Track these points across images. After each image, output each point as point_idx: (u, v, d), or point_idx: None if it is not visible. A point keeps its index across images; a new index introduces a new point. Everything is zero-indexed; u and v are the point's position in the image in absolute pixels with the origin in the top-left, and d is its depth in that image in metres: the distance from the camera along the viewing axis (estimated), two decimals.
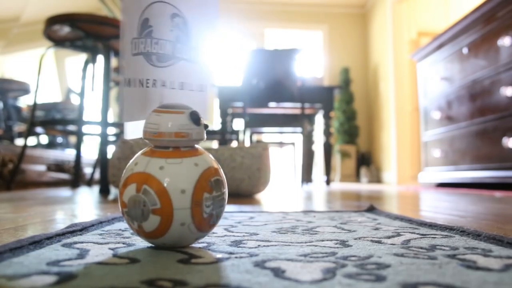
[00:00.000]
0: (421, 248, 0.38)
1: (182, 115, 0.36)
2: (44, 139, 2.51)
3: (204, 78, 0.39)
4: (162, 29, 0.37)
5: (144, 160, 0.36)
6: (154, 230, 0.35)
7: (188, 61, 0.39)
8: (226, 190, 0.38)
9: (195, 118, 0.37)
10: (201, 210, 0.35)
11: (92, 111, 2.23)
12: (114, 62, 1.95)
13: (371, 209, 0.77)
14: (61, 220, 0.64)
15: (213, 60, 0.40)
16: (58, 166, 2.11)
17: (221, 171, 0.39)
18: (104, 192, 1.43)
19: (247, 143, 2.66)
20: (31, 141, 2.25)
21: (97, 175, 2.28)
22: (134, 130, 0.41)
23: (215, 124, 4.50)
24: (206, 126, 0.38)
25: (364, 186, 2.92)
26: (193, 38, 0.38)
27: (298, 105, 2.68)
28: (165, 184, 0.34)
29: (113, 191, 1.51)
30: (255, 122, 2.62)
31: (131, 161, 0.38)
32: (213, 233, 0.47)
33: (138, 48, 0.38)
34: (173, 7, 0.37)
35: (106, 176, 1.42)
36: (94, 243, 0.39)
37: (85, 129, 1.83)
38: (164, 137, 0.36)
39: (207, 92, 0.40)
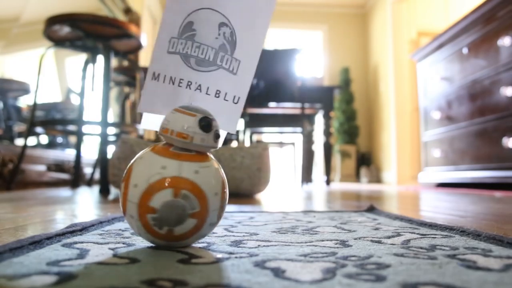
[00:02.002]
0: (421, 248, 0.38)
1: (192, 118, 0.36)
2: (44, 139, 2.51)
3: (241, 91, 0.39)
4: (207, 35, 0.38)
5: (174, 164, 0.35)
6: (186, 232, 0.36)
7: (229, 71, 0.39)
8: (227, 190, 0.39)
9: (204, 124, 0.36)
10: (223, 205, 0.38)
11: (92, 111, 2.23)
12: (114, 62, 1.95)
13: (371, 209, 0.77)
14: (61, 220, 0.64)
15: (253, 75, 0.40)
16: (58, 166, 2.11)
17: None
18: (104, 192, 1.43)
19: (247, 143, 2.66)
20: (31, 141, 2.25)
21: (97, 175, 2.28)
22: (150, 121, 0.41)
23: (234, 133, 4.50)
24: (217, 135, 0.37)
25: (364, 186, 2.92)
26: (238, 50, 0.38)
27: (298, 105, 2.68)
28: (203, 189, 0.35)
29: (113, 191, 1.51)
30: (255, 122, 2.62)
31: (147, 162, 0.36)
32: (213, 233, 0.47)
33: (175, 48, 0.38)
34: (222, 16, 0.37)
35: (106, 176, 1.42)
36: (94, 243, 0.39)
37: (85, 129, 1.83)
38: (167, 134, 0.36)
39: (241, 105, 0.40)
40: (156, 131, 0.39)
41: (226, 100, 0.40)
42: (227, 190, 0.38)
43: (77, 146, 1.87)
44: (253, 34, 0.38)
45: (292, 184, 3.13)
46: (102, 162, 1.47)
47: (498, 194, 1.64)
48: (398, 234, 0.46)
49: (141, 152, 0.38)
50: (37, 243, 0.37)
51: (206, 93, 0.39)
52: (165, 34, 0.38)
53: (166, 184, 0.34)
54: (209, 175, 0.36)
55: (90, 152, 2.40)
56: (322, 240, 0.42)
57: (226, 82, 0.38)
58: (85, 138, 2.00)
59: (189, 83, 0.39)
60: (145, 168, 0.36)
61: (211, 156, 0.39)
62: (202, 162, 0.36)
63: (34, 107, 1.63)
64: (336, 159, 4.56)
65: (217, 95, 0.39)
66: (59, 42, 1.63)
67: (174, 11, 0.37)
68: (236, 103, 0.40)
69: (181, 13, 0.37)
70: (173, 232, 0.35)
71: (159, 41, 0.38)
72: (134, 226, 0.36)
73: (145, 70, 2.06)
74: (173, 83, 0.39)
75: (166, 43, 0.38)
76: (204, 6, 0.37)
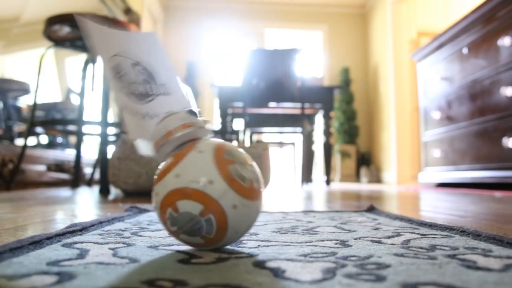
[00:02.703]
0: (421, 248, 0.38)
1: (180, 113, 0.38)
2: (44, 139, 2.51)
3: (186, 105, 0.41)
4: (131, 74, 0.41)
5: (222, 186, 0.34)
6: (190, 242, 0.36)
7: (165, 95, 0.41)
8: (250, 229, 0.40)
9: (192, 112, 0.38)
10: (236, 180, 0.36)
11: (92, 111, 2.23)
12: None
13: (371, 209, 0.77)
14: (61, 220, 0.64)
15: (186, 91, 0.43)
16: (58, 166, 2.11)
17: None
18: (104, 192, 1.43)
19: (247, 143, 2.66)
20: (31, 141, 2.25)
21: (97, 175, 2.28)
22: (144, 147, 0.43)
23: (216, 124, 4.50)
24: (191, 112, 0.39)
25: (364, 186, 2.92)
26: (157, 78, 0.41)
27: (298, 105, 2.68)
28: (230, 225, 0.35)
29: (113, 191, 1.51)
30: (255, 122, 2.62)
31: (201, 162, 0.35)
32: None
33: (116, 87, 0.42)
34: (130, 59, 0.41)
35: (106, 176, 1.42)
36: (94, 243, 0.39)
37: (85, 129, 1.83)
38: (175, 132, 0.37)
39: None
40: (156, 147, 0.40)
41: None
42: (229, 162, 0.36)
43: (77, 146, 1.87)
44: (160, 61, 0.41)
45: (292, 184, 3.13)
46: (102, 162, 1.47)
47: (498, 194, 1.64)
48: (398, 234, 0.46)
49: (203, 145, 0.36)
50: (37, 243, 0.37)
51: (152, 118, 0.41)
52: (107, 73, 0.42)
53: (201, 200, 0.33)
54: (244, 216, 0.35)
55: (90, 152, 2.40)
56: (322, 240, 0.42)
57: (169, 104, 0.41)
58: (85, 138, 2.00)
59: (145, 114, 0.41)
60: (195, 167, 0.35)
61: (196, 145, 0.37)
62: (248, 198, 0.35)
63: (34, 107, 1.63)
64: (336, 159, 4.56)
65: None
66: (59, 42, 1.63)
67: (102, 54, 0.41)
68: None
69: (107, 56, 0.41)
70: (179, 235, 0.36)
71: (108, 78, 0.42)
72: (154, 204, 0.37)
73: None
74: (136, 115, 0.42)
75: (112, 81, 0.42)
76: (114, 54, 0.41)
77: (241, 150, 0.38)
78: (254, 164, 0.39)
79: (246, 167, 0.36)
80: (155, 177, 0.37)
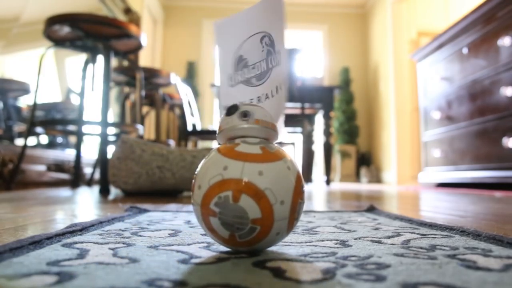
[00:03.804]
0: (421, 248, 0.38)
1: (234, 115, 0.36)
2: (44, 139, 2.51)
3: (282, 77, 0.41)
4: (255, 55, 0.42)
5: (237, 165, 0.33)
6: (250, 239, 0.33)
7: (277, 66, 0.41)
8: (302, 194, 0.37)
9: (228, 110, 0.36)
10: (295, 216, 0.35)
11: (92, 111, 2.23)
12: (114, 62, 1.95)
13: (371, 209, 0.77)
14: (61, 220, 0.64)
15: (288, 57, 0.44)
16: (58, 166, 2.11)
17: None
18: (104, 192, 1.43)
19: None
20: (31, 141, 2.25)
21: (97, 175, 2.28)
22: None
23: (216, 124, 4.49)
24: (244, 114, 0.36)
25: (364, 186, 2.92)
26: (276, 45, 0.41)
27: (298, 105, 2.68)
28: (267, 194, 0.32)
29: (113, 191, 1.51)
30: None
31: (211, 163, 0.34)
32: None
33: (235, 80, 0.43)
34: (261, 32, 0.41)
35: (106, 176, 1.42)
36: (94, 243, 0.39)
37: (85, 129, 1.83)
38: (270, 127, 0.36)
39: (283, 91, 0.42)
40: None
41: (281, 89, 0.41)
42: (301, 194, 0.35)
43: (77, 146, 1.87)
44: (277, 21, 0.41)
45: None
46: (102, 162, 1.47)
47: (498, 194, 1.64)
48: (398, 234, 0.46)
49: (291, 162, 0.35)
50: (37, 243, 0.37)
51: (272, 96, 0.41)
52: (223, 75, 0.44)
53: (226, 187, 0.32)
54: (275, 176, 0.33)
55: (90, 152, 2.40)
56: (322, 240, 0.42)
57: (277, 75, 0.41)
58: (85, 138, 2.00)
59: (259, 98, 0.42)
60: (208, 169, 0.34)
61: (286, 155, 0.36)
62: (269, 162, 0.33)
63: (34, 107, 1.63)
64: (336, 159, 4.56)
65: (278, 92, 0.41)
66: (59, 42, 1.63)
67: (225, 52, 0.43)
68: (281, 89, 0.42)
69: (231, 50, 0.43)
70: (236, 237, 0.33)
71: (221, 81, 0.44)
72: (201, 227, 0.35)
73: (145, 69, 2.06)
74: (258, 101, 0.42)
75: (227, 80, 0.44)
76: (250, 35, 0.42)
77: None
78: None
79: (303, 203, 0.36)
80: (228, 144, 0.35)
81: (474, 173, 2.12)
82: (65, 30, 1.52)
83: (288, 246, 0.39)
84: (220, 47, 0.44)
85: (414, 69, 3.59)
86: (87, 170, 2.35)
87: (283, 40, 0.41)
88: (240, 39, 0.42)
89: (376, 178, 4.47)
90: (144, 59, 4.05)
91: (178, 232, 0.47)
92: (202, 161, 0.36)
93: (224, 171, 0.33)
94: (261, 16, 0.41)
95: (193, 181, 0.36)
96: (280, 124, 0.40)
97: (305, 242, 0.41)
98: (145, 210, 0.73)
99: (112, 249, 0.36)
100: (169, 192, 1.38)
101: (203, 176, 0.34)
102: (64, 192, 1.51)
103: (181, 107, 2.28)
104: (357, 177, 4.58)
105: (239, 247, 0.34)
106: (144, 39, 1.64)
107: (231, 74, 0.43)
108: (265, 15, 0.41)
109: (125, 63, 2.68)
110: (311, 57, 5.06)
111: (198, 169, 0.36)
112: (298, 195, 0.34)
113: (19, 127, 2.21)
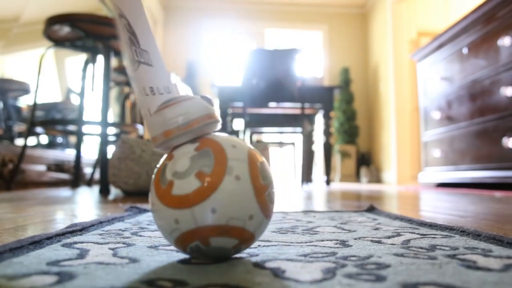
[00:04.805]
0: (421, 248, 0.38)
1: (198, 99, 0.33)
2: (44, 139, 2.51)
3: (166, 80, 0.35)
4: (121, 31, 0.35)
5: (186, 215, 0.29)
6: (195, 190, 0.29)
7: (148, 65, 0.35)
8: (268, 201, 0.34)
9: (208, 99, 0.34)
10: (268, 207, 0.32)
11: (92, 111, 2.23)
12: (114, 62, 1.95)
13: (371, 209, 0.77)
14: (61, 220, 0.64)
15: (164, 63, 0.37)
16: (58, 166, 2.11)
17: None
18: (104, 192, 1.43)
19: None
20: (31, 141, 2.25)
21: (97, 175, 2.28)
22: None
23: None
24: (207, 99, 0.34)
25: (364, 186, 2.92)
26: (141, 41, 0.34)
27: (298, 105, 2.68)
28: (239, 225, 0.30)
29: (113, 191, 1.51)
30: (255, 122, 2.62)
31: (161, 218, 0.31)
32: None
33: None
34: (117, 7, 0.35)
35: (106, 176, 1.42)
36: (94, 243, 0.39)
37: (85, 129, 1.83)
38: (199, 123, 0.32)
39: (174, 94, 0.36)
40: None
41: (162, 94, 0.34)
42: (266, 188, 0.31)
43: (77, 146, 1.87)
44: (141, 23, 0.35)
45: (292, 184, 3.13)
46: (102, 162, 1.47)
47: (498, 194, 1.64)
48: (398, 234, 0.46)
49: (237, 166, 0.30)
50: (37, 243, 0.37)
51: (146, 94, 0.34)
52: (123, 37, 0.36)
53: (189, 239, 0.30)
54: (229, 203, 0.29)
55: (90, 152, 2.40)
56: (322, 240, 0.42)
57: (150, 76, 0.35)
58: (85, 138, 2.00)
59: (140, 88, 0.35)
60: (161, 225, 0.31)
61: (226, 160, 0.30)
62: (215, 190, 0.29)
63: (34, 107, 1.63)
64: (336, 159, 4.56)
65: (153, 93, 0.34)
66: (59, 42, 1.63)
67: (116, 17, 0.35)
68: (170, 93, 0.35)
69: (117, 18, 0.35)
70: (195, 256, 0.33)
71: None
72: (167, 230, 0.32)
73: None
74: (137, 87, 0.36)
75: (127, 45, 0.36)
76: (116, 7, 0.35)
77: (264, 161, 0.33)
78: (270, 168, 0.34)
79: (273, 184, 0.33)
80: (173, 192, 0.30)
81: (474, 173, 2.12)
82: (65, 30, 1.52)
83: (288, 246, 0.39)
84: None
85: (414, 69, 3.59)
86: (87, 170, 2.35)
87: (153, 43, 0.35)
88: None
89: (376, 178, 4.47)
90: None
91: None
92: (150, 199, 0.32)
93: (178, 225, 0.30)
94: None
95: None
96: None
97: (305, 242, 0.41)
98: (145, 210, 0.73)
99: (112, 249, 0.36)
100: None
101: (161, 228, 0.32)
102: (64, 192, 1.51)
103: None
104: (357, 177, 4.58)
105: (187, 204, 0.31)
106: None
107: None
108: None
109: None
110: (311, 57, 5.06)
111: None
112: (262, 192, 0.31)
113: (19, 127, 2.21)
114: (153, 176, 0.33)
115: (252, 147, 0.34)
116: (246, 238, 0.31)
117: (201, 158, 0.30)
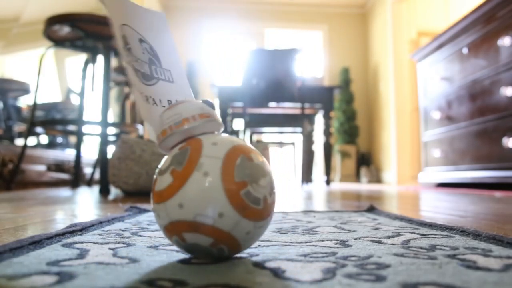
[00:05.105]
0: (421, 248, 0.38)
1: (195, 101, 0.34)
2: (44, 139, 2.51)
3: (186, 95, 0.38)
4: (137, 50, 0.37)
5: (233, 216, 0.30)
6: (226, 256, 0.32)
7: (167, 81, 0.37)
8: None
9: (209, 102, 0.35)
10: (248, 205, 0.30)
11: (92, 111, 2.23)
12: (114, 62, 1.95)
13: (371, 209, 0.77)
14: (61, 220, 0.64)
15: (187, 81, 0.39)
16: (58, 166, 2.11)
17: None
18: (104, 192, 1.43)
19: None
20: (31, 141, 2.25)
21: (97, 175, 2.28)
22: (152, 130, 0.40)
23: None
24: (209, 103, 0.35)
25: (364, 186, 2.92)
26: (163, 61, 0.37)
27: (298, 105, 2.68)
28: (242, 244, 0.32)
29: (113, 191, 1.51)
30: (255, 122, 2.62)
31: (206, 189, 0.29)
32: None
33: (125, 59, 0.37)
34: (138, 34, 0.37)
35: (106, 176, 1.42)
36: (94, 243, 0.39)
37: (85, 129, 1.83)
38: (191, 121, 0.32)
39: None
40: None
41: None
42: (239, 185, 0.30)
43: (77, 146, 1.87)
44: (166, 46, 0.38)
45: (292, 184, 3.13)
46: (102, 162, 1.47)
47: (498, 194, 1.64)
48: (398, 234, 0.46)
49: (208, 162, 0.30)
50: (37, 243, 0.37)
51: (162, 106, 0.37)
52: (120, 43, 0.37)
53: (168, 234, 0.31)
54: (258, 235, 0.32)
55: (90, 152, 2.40)
56: (322, 240, 0.42)
57: (170, 92, 0.37)
58: (85, 138, 2.00)
59: (148, 97, 0.37)
60: (201, 197, 0.29)
61: (198, 155, 0.31)
62: (182, 186, 0.29)
63: (34, 107, 1.63)
64: (336, 159, 4.56)
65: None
66: (59, 42, 1.63)
67: (113, 22, 0.37)
68: None
69: (117, 25, 0.37)
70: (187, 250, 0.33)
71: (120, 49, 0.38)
72: (157, 222, 0.33)
73: None
74: (141, 95, 0.37)
75: (124, 52, 0.37)
76: (124, 23, 0.37)
77: (253, 155, 0.32)
78: (266, 166, 0.33)
79: (259, 184, 0.31)
80: (156, 188, 0.31)
81: (474, 173, 2.12)
82: (65, 30, 1.52)
83: (288, 246, 0.39)
84: (110, 10, 0.37)
85: (414, 69, 3.59)
86: (87, 170, 2.35)
87: (176, 62, 0.37)
88: (120, 18, 0.37)
89: (376, 178, 4.47)
90: None
91: None
92: (193, 172, 0.32)
93: (160, 220, 0.31)
94: (143, 23, 0.37)
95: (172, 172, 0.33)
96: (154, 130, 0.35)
97: (305, 242, 0.41)
98: (145, 210, 0.73)
99: (112, 249, 0.36)
100: None
101: (191, 199, 0.31)
102: (64, 192, 1.51)
103: None
104: (357, 177, 4.58)
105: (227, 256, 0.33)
106: None
107: (122, 49, 0.37)
108: (147, 25, 0.37)
109: None
110: (311, 57, 5.06)
111: (186, 177, 0.31)
112: (235, 189, 0.30)
113: (19, 127, 2.21)
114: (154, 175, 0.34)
115: (250, 145, 0.34)
116: (223, 237, 0.30)
117: (178, 156, 0.31)
